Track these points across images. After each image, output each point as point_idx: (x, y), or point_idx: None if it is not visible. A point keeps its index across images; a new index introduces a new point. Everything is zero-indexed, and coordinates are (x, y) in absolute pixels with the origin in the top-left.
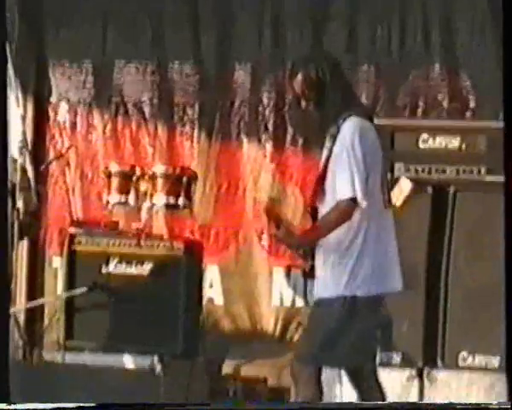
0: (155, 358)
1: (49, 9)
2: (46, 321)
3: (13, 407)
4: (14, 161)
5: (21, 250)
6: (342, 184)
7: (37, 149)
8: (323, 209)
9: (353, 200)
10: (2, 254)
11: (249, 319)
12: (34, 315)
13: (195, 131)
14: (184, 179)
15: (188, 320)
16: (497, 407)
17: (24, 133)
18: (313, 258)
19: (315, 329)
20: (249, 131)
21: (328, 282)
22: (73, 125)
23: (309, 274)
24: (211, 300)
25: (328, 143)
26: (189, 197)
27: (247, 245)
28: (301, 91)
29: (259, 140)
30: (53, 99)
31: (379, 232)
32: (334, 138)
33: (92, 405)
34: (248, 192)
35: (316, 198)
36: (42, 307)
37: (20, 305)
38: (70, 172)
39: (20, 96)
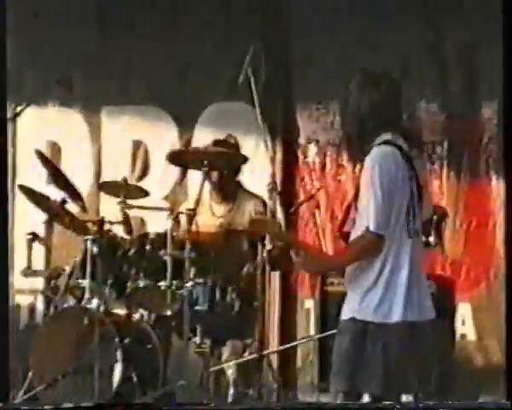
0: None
1: (294, 53)
2: (299, 363)
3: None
4: (264, 203)
5: (273, 291)
6: (368, 216)
7: (287, 191)
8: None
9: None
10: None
11: (502, 355)
12: (288, 358)
13: (444, 168)
14: (435, 217)
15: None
16: (496, 406)
17: (273, 175)
18: None
19: None
20: (498, 168)
21: None
22: (322, 166)
23: None
24: (463, 336)
25: None
26: (439, 235)
27: (498, 281)
28: None
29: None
30: (301, 141)
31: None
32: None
33: (91, 405)
34: (498, 228)
35: (344, 224)
36: (295, 349)
37: (272, 347)
38: (320, 214)
39: (268, 138)
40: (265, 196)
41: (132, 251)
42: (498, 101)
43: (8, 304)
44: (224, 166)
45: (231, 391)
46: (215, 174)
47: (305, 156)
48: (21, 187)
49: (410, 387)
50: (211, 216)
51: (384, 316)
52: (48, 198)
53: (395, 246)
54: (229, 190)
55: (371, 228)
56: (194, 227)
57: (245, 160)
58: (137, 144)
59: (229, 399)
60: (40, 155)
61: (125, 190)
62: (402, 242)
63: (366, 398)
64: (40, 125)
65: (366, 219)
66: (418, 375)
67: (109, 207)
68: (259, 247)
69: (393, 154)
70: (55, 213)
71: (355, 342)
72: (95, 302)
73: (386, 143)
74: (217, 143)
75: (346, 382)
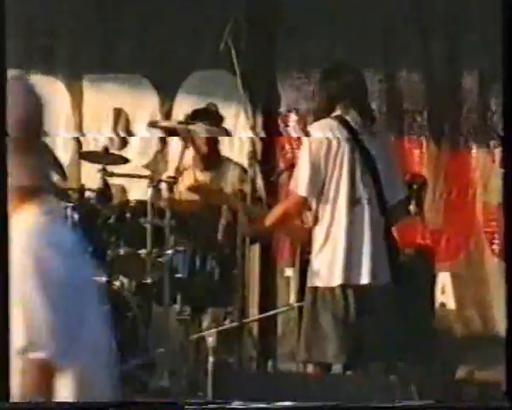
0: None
1: (279, 19)
2: (280, 332)
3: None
4: (244, 171)
5: (253, 260)
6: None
7: (267, 159)
8: None
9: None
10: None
11: (482, 324)
12: (268, 326)
13: (424, 138)
14: (415, 186)
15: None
16: (496, 406)
17: (254, 144)
18: None
19: None
20: (477, 138)
21: None
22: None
23: None
24: (443, 305)
25: None
26: (419, 204)
27: (477, 250)
28: None
29: (488, 146)
30: (282, 109)
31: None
32: None
33: (91, 402)
34: (478, 198)
35: None
36: (275, 317)
37: (253, 316)
38: None
39: (249, 107)
40: (246, 164)
41: (113, 219)
42: (479, 71)
43: (9, 303)
44: (202, 135)
45: (211, 359)
46: (198, 141)
47: (286, 125)
48: None
49: (373, 353)
50: (194, 184)
51: (327, 280)
52: None
53: (338, 213)
54: (212, 158)
55: (293, 189)
56: (174, 195)
57: (226, 130)
58: (118, 112)
59: (209, 367)
60: None
61: (106, 158)
62: (344, 209)
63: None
64: None
65: (293, 182)
66: (375, 340)
67: (90, 175)
68: (239, 215)
69: (329, 126)
70: None
71: (308, 309)
72: None
73: (333, 117)
74: (197, 111)
75: (308, 354)
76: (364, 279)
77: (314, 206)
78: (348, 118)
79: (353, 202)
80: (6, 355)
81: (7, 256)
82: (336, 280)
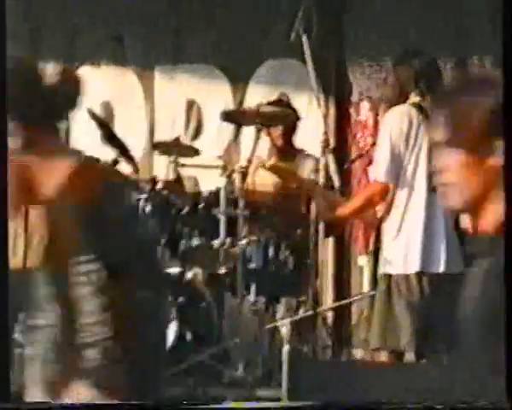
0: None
1: (349, 6)
2: (354, 320)
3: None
4: (317, 160)
5: (327, 249)
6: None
7: (340, 148)
8: None
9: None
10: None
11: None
12: (342, 314)
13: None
14: None
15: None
16: (496, 406)
17: (326, 133)
18: None
19: None
20: None
21: None
22: (375, 123)
23: None
24: None
25: None
26: None
27: None
28: None
29: None
30: (354, 98)
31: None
32: None
33: (89, 403)
34: None
35: None
36: (349, 306)
37: (326, 304)
38: None
39: (320, 96)
40: (318, 153)
41: (185, 210)
42: None
43: (8, 303)
44: (277, 124)
45: (285, 349)
46: (273, 133)
47: (358, 113)
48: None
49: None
50: (269, 175)
51: (403, 267)
52: (97, 160)
53: (414, 200)
54: (287, 149)
55: (374, 177)
56: (247, 185)
57: (298, 118)
58: (191, 103)
59: (284, 356)
60: (93, 114)
61: (178, 149)
62: (421, 197)
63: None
64: (93, 85)
65: (373, 170)
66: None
67: (163, 167)
68: (312, 205)
69: (408, 113)
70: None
71: (382, 296)
72: None
73: (410, 104)
74: (270, 104)
75: (381, 341)
76: (441, 268)
77: (390, 192)
78: (424, 105)
79: (430, 189)
80: (6, 355)
81: (7, 256)
82: (413, 268)
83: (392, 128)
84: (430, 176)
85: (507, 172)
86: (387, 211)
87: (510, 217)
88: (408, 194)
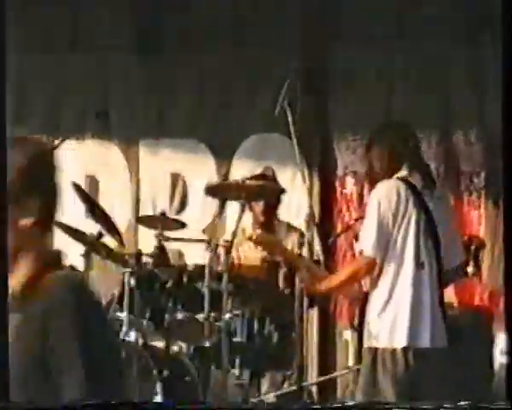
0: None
1: (332, 84)
2: (339, 394)
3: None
4: (302, 235)
5: (312, 323)
6: (361, 241)
7: (325, 222)
8: None
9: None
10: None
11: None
12: (327, 388)
13: (482, 198)
14: (472, 247)
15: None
16: (496, 407)
17: (311, 207)
18: None
19: None
20: None
21: None
22: (360, 196)
23: None
24: (502, 366)
25: None
26: (477, 265)
27: None
28: None
29: None
30: (339, 172)
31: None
32: None
33: (92, 403)
34: None
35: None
36: (334, 380)
37: (312, 378)
38: None
39: (305, 170)
40: (303, 227)
41: (170, 283)
42: None
43: (8, 304)
44: (261, 198)
45: None
46: (256, 207)
47: (343, 187)
48: (58, 224)
49: None
50: (254, 249)
51: (389, 342)
52: (84, 233)
53: (402, 275)
54: (270, 222)
55: (361, 250)
56: (232, 259)
57: (282, 191)
58: (175, 177)
59: None
60: (77, 188)
61: (163, 223)
62: (409, 272)
63: None
64: (77, 159)
65: (360, 243)
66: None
67: (147, 240)
68: (297, 279)
69: (396, 187)
70: (92, 246)
71: (367, 370)
72: (133, 335)
73: (398, 178)
74: (254, 178)
75: None
76: (426, 343)
77: (377, 266)
78: (412, 180)
79: (418, 265)
80: (6, 355)
81: (7, 256)
82: (400, 342)
83: (381, 202)
84: (417, 251)
85: (507, 171)
86: (374, 285)
87: (510, 225)
88: (396, 268)
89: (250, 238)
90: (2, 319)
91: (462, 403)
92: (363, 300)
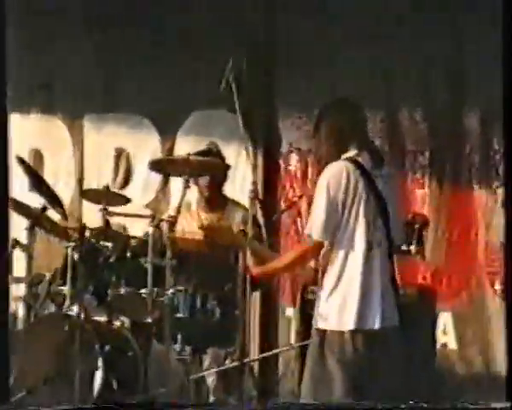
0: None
1: (279, 59)
2: (280, 371)
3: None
4: (246, 211)
5: (254, 300)
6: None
7: (269, 198)
8: None
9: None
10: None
11: (483, 364)
12: (269, 365)
13: (426, 178)
14: (416, 226)
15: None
16: (496, 407)
17: (255, 183)
18: None
19: None
20: (480, 178)
21: None
22: (304, 174)
23: None
24: (444, 345)
25: None
26: (421, 243)
27: (479, 290)
28: None
29: (490, 185)
30: (283, 149)
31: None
32: None
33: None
34: (480, 237)
35: None
36: (276, 356)
37: (254, 355)
38: (302, 222)
39: (250, 146)
40: (247, 204)
41: (113, 258)
42: (481, 111)
43: (9, 304)
44: (205, 174)
45: (211, 399)
46: (201, 183)
47: (287, 164)
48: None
49: (379, 395)
50: (199, 225)
51: (338, 324)
52: (28, 206)
53: (352, 257)
54: (216, 199)
55: (308, 232)
56: (175, 234)
57: (227, 167)
58: (120, 152)
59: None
60: (22, 162)
61: (107, 198)
62: (359, 254)
63: None
64: (22, 133)
65: (308, 225)
66: (382, 383)
67: (91, 215)
68: (241, 256)
69: (346, 169)
70: (36, 220)
71: (315, 351)
72: (75, 309)
73: (347, 159)
74: (199, 154)
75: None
76: (376, 324)
77: (326, 249)
78: (361, 160)
79: (368, 246)
80: (6, 355)
81: (7, 256)
82: (348, 325)
83: (330, 185)
84: (368, 231)
85: (507, 172)
86: (324, 267)
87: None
88: (346, 250)
89: (201, 227)
90: (3, 318)
91: (461, 403)
92: (309, 278)
